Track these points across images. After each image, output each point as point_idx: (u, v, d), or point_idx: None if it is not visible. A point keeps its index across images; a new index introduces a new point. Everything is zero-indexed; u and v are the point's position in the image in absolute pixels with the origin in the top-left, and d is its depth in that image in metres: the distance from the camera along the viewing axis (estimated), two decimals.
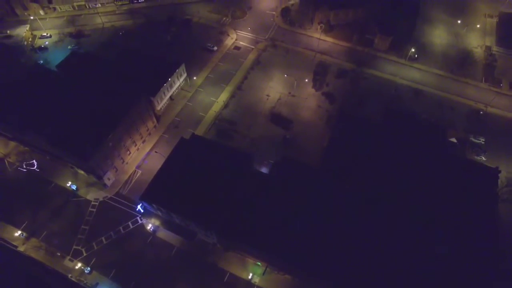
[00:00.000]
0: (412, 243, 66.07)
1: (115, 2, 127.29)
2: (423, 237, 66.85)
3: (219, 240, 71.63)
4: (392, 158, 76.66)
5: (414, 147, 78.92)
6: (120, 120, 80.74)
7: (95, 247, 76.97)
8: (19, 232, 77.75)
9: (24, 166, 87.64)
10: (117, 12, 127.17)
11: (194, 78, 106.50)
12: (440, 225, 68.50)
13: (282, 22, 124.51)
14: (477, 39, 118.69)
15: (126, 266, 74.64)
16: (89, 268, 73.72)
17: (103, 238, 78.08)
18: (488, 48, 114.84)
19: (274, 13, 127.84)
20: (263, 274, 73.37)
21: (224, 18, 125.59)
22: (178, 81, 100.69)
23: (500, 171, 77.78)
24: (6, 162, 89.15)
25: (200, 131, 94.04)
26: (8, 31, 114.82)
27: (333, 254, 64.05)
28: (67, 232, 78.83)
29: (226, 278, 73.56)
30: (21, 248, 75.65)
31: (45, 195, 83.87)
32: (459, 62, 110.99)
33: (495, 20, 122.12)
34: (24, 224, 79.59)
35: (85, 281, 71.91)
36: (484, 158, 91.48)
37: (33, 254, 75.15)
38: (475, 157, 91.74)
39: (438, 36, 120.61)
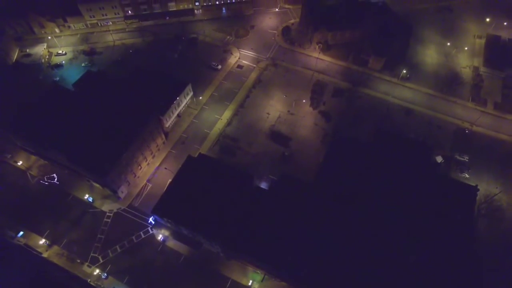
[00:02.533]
0: (398, 256, 73.80)
1: (125, 21, 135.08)
2: (406, 250, 74.58)
3: (222, 250, 79.92)
4: (381, 176, 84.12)
5: (401, 166, 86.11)
6: (133, 138, 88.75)
7: (111, 255, 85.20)
8: (43, 240, 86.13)
9: (46, 179, 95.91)
10: (127, 30, 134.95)
11: (200, 97, 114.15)
12: (422, 240, 76.14)
13: (283, 41, 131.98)
14: (466, 60, 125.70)
15: (139, 272, 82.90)
16: (105, 274, 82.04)
17: (117, 247, 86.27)
18: (476, 69, 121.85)
19: (275, 32, 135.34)
20: (262, 281, 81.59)
21: (228, 37, 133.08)
22: (185, 100, 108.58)
23: (478, 190, 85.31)
24: (28, 174, 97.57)
25: (205, 147, 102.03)
26: (27, 50, 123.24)
27: (325, 264, 71.94)
28: (85, 240, 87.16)
29: (228, 285, 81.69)
30: (45, 255, 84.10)
31: (65, 206, 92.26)
32: (449, 82, 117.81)
33: (483, 41, 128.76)
34: (47, 233, 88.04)
35: (102, 286, 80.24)
36: (467, 176, 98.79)
37: (55, 260, 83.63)
38: (459, 174, 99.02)
39: (430, 56, 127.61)
